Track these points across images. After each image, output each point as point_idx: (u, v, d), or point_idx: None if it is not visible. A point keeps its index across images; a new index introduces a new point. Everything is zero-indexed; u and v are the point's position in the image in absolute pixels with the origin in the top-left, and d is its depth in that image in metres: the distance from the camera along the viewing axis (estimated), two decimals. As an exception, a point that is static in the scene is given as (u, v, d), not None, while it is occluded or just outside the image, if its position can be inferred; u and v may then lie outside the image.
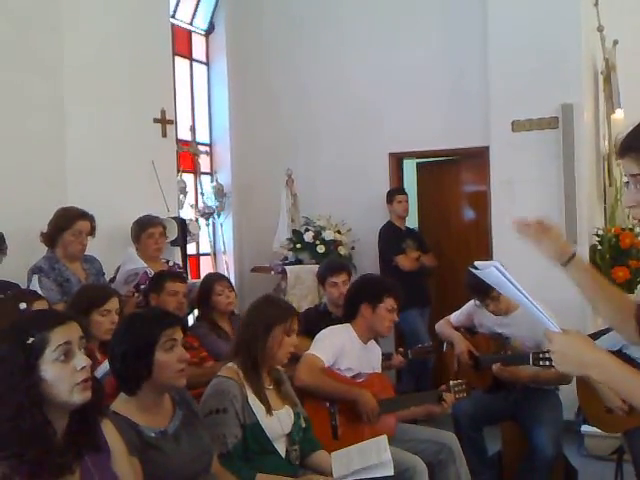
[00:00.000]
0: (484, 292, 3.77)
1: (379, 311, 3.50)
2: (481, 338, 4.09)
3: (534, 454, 3.74)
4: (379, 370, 3.64)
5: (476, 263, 1.67)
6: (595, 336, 3.88)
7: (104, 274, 4.32)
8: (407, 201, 6.08)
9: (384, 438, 2.81)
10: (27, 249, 4.05)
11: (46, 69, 4.56)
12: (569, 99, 5.33)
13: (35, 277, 3.79)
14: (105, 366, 2.76)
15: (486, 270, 1.61)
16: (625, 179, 1.71)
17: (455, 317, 4.25)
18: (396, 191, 6.13)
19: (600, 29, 5.50)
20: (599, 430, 3.81)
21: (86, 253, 4.18)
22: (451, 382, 3.59)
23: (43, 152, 4.50)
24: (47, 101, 4.55)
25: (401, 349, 4.29)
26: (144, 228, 4.61)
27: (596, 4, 5.46)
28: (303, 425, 2.90)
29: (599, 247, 5.39)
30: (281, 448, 2.77)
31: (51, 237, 4.05)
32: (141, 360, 2.24)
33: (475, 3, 5.87)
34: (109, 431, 1.93)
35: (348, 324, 3.57)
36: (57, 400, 1.72)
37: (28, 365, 1.68)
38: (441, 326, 4.29)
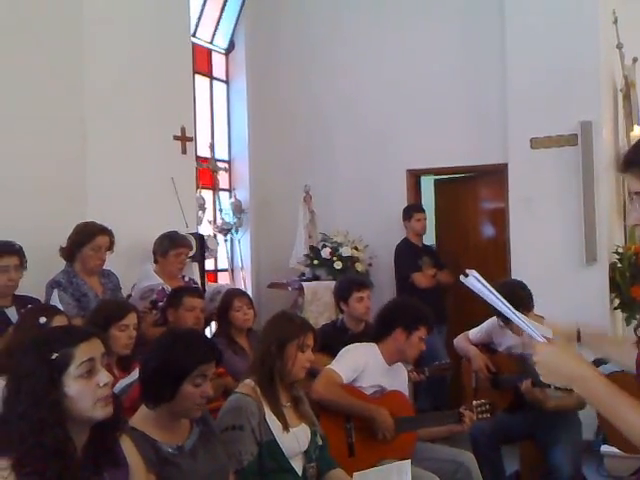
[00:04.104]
0: None
1: (413, 338, 3.46)
2: (501, 357, 4.06)
3: (553, 474, 3.69)
4: (406, 392, 3.60)
5: (467, 270, 1.62)
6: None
7: (121, 289, 4.33)
8: (425, 219, 6.06)
9: (408, 463, 2.79)
10: (46, 264, 4.07)
11: (68, 86, 4.62)
12: (588, 116, 5.31)
13: (55, 292, 3.83)
14: (129, 378, 2.80)
15: (468, 278, 1.57)
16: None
17: (473, 334, 4.23)
18: (414, 208, 6.11)
19: (619, 46, 5.50)
20: (619, 450, 3.75)
21: (104, 268, 4.22)
22: (474, 402, 3.54)
23: (64, 168, 4.55)
24: (68, 118, 4.60)
25: (412, 368, 4.25)
26: (175, 246, 4.54)
27: (615, 22, 5.45)
28: (320, 443, 2.89)
29: (619, 265, 5.35)
30: (298, 466, 2.76)
31: (70, 251, 4.07)
32: (168, 385, 2.25)
33: (493, 20, 5.89)
34: (127, 447, 1.94)
35: (374, 344, 3.53)
36: (79, 416, 1.73)
37: (52, 381, 1.69)
38: (459, 341, 4.27)
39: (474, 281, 1.56)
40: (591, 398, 1.45)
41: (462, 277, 1.60)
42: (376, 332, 3.60)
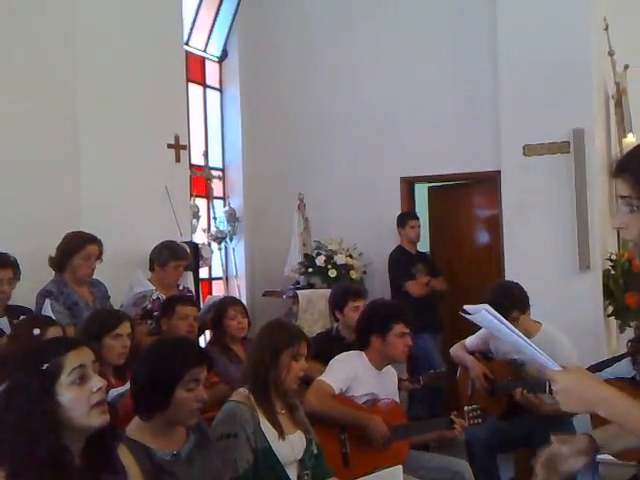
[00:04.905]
0: (504, 312, 3.70)
1: (389, 339, 3.45)
2: (497, 363, 4.06)
3: (548, 482, 3.68)
4: (396, 396, 3.60)
5: (466, 307, 1.59)
6: (609, 363, 3.84)
7: (109, 297, 4.31)
8: (420, 226, 6.07)
9: (399, 469, 2.78)
10: (39, 274, 4.06)
11: (61, 95, 4.63)
12: (580, 124, 5.33)
13: (47, 302, 3.81)
14: (122, 388, 2.78)
15: (478, 314, 1.55)
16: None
17: (470, 341, 4.23)
18: (409, 216, 6.11)
19: (611, 53, 5.52)
20: (614, 458, 3.74)
21: (95, 277, 4.19)
22: (465, 407, 3.53)
23: (57, 177, 4.55)
24: (62, 126, 4.61)
25: (407, 377, 4.22)
26: (175, 258, 4.52)
27: (606, 29, 5.48)
28: (315, 451, 2.88)
29: (612, 272, 5.36)
30: (293, 474, 2.74)
31: (60, 261, 4.05)
32: (160, 393, 2.23)
33: (486, 28, 5.91)
34: (125, 456, 1.93)
35: (361, 352, 3.53)
36: (75, 424, 1.73)
37: (44, 390, 1.69)
38: (455, 350, 4.26)
39: (487, 316, 1.53)
40: (619, 419, 1.44)
41: (466, 314, 1.57)
42: (358, 342, 3.61)
